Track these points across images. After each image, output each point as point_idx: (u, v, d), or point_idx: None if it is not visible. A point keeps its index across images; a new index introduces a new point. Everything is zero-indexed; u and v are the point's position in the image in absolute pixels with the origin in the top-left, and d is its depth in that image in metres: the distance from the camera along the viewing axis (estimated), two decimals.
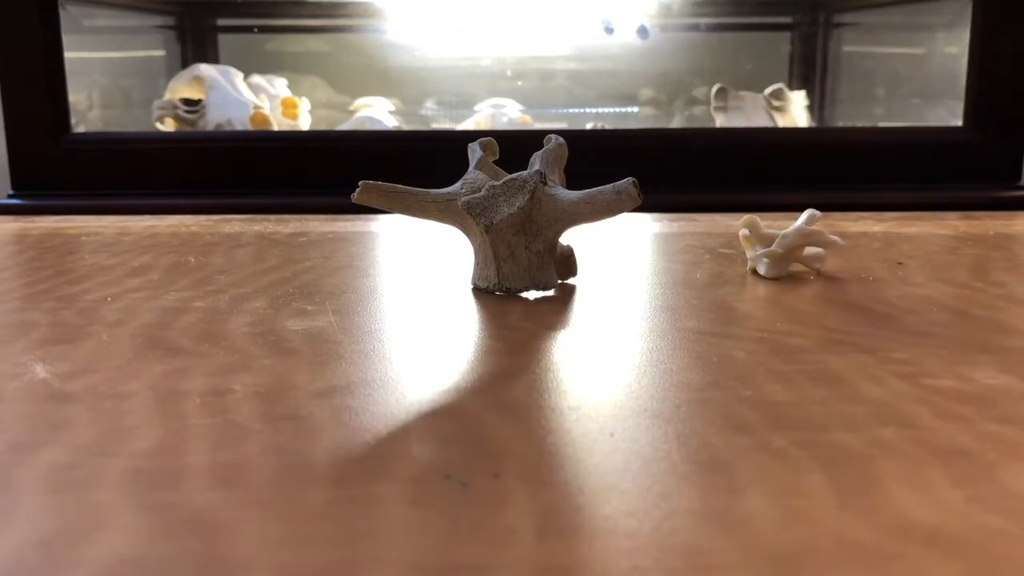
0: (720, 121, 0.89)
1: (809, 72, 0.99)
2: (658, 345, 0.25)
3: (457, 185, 0.33)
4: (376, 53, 1.11)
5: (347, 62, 1.14)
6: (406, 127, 0.98)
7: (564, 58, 1.11)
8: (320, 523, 0.14)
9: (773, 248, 0.34)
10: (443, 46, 1.12)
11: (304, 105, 0.96)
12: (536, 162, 0.33)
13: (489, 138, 0.35)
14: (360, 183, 0.31)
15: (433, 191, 0.33)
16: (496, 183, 0.32)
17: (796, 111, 0.92)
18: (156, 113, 0.88)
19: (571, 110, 1.07)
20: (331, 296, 0.32)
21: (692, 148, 0.75)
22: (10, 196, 0.74)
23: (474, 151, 0.35)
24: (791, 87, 0.92)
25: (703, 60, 1.05)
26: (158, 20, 1.07)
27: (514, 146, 0.35)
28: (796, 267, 0.36)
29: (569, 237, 0.48)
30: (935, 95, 0.84)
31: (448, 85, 1.11)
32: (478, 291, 0.33)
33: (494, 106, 0.98)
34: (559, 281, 0.34)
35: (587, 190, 0.32)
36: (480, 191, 0.32)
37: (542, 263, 0.32)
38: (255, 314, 0.29)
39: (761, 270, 0.35)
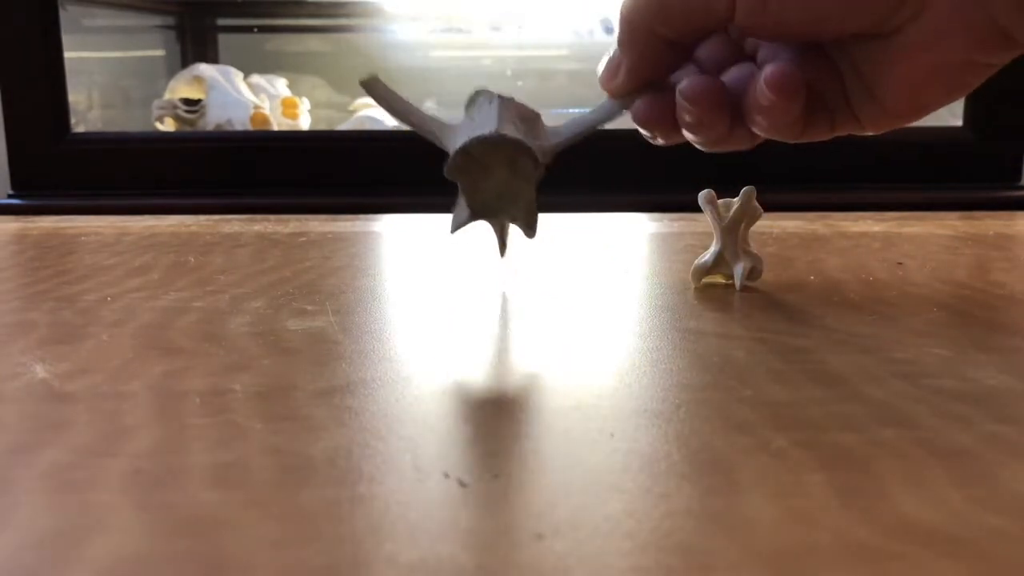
0: None
1: None
2: (658, 345, 0.25)
3: (465, 122, 0.29)
4: (376, 53, 1.11)
5: (347, 62, 1.14)
6: (406, 127, 0.98)
7: (564, 58, 1.11)
8: (320, 523, 0.14)
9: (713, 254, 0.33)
10: (443, 46, 1.12)
11: (304, 105, 0.96)
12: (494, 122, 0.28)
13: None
14: (370, 77, 0.29)
15: (437, 118, 0.30)
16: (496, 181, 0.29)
17: None
18: (156, 113, 0.88)
19: (571, 110, 1.07)
20: (331, 296, 0.32)
21: (692, 147, 0.74)
22: (10, 196, 0.74)
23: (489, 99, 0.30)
24: None
25: None
26: (158, 20, 1.07)
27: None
28: (715, 278, 0.34)
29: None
30: None
31: (448, 85, 1.11)
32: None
33: None
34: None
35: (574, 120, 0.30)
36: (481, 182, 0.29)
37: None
38: (255, 314, 0.29)
39: (738, 281, 0.33)
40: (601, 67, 0.30)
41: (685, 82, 0.28)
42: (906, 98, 0.27)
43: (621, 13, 0.28)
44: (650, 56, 0.28)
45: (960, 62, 0.25)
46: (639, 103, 0.30)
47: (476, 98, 0.30)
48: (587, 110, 0.31)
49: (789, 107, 0.27)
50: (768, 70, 0.27)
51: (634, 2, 0.27)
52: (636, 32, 0.28)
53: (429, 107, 1.10)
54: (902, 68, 0.26)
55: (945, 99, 0.27)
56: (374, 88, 0.31)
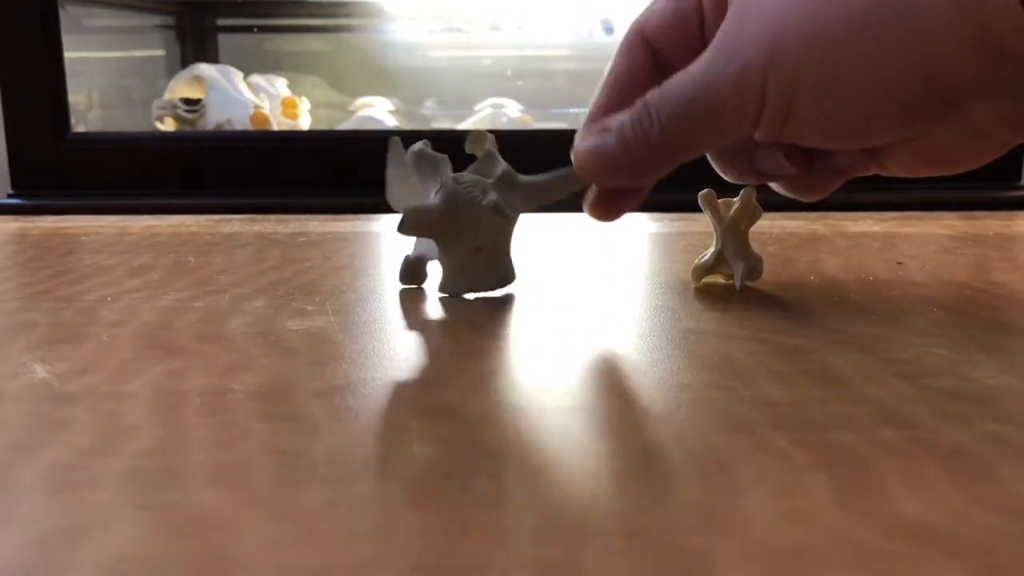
0: None
1: None
2: (658, 345, 0.25)
3: (440, 195, 0.31)
4: (376, 53, 1.11)
5: (347, 62, 1.14)
6: (406, 127, 0.98)
7: (564, 58, 1.11)
8: (320, 523, 0.14)
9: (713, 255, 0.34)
10: (443, 46, 1.12)
11: (304, 105, 0.96)
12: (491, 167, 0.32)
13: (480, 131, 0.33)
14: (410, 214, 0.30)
15: (434, 204, 0.31)
16: (491, 181, 0.31)
17: None
18: (156, 113, 0.88)
19: (571, 110, 1.07)
20: (331, 296, 0.32)
21: None
22: (10, 196, 0.74)
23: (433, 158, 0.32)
24: None
25: None
26: (158, 20, 1.07)
27: (514, 146, 0.35)
28: (715, 278, 0.34)
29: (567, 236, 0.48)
30: None
31: (448, 85, 1.11)
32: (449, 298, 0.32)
33: (494, 106, 0.98)
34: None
35: (563, 168, 0.32)
36: (488, 190, 0.31)
37: (507, 257, 0.32)
38: (255, 314, 0.29)
39: (738, 281, 0.34)
40: (590, 144, 0.29)
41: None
42: (911, 173, 0.29)
43: (635, 135, 0.27)
44: (663, 172, 0.28)
45: (964, 162, 0.27)
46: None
47: (478, 191, 0.32)
48: (550, 175, 0.32)
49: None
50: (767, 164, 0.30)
51: (649, 132, 0.27)
52: (656, 160, 0.27)
53: (429, 107, 1.10)
54: (911, 159, 0.28)
55: (938, 175, 0.29)
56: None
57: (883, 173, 0.30)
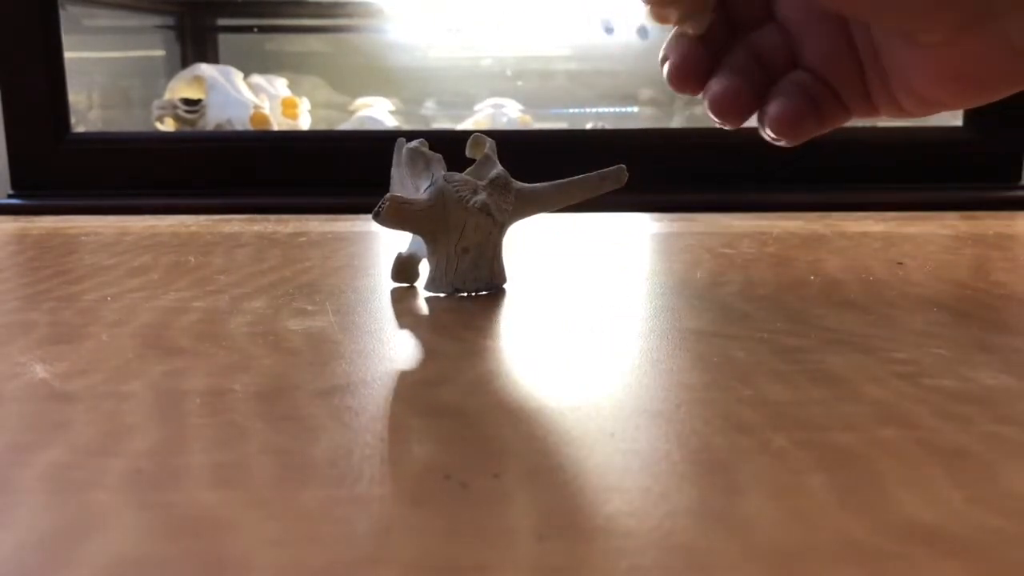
0: None
1: None
2: (658, 345, 0.25)
3: (429, 191, 0.31)
4: (376, 53, 1.11)
5: (347, 62, 1.14)
6: (406, 127, 0.98)
7: (564, 58, 1.11)
8: (320, 523, 0.14)
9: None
10: (443, 46, 1.12)
11: (304, 105, 0.96)
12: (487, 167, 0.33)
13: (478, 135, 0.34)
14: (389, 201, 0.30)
15: (420, 199, 0.31)
16: (483, 183, 0.32)
17: None
18: (156, 113, 0.88)
19: (571, 110, 1.07)
20: (331, 296, 0.32)
21: (692, 148, 0.75)
22: (10, 196, 0.74)
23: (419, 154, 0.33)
24: None
25: None
26: (158, 20, 1.07)
27: (514, 146, 0.35)
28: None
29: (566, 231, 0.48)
30: None
31: (448, 85, 1.11)
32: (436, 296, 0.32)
33: (494, 106, 0.98)
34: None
35: (562, 180, 0.32)
36: (478, 191, 0.31)
37: (495, 259, 0.33)
38: (255, 314, 0.29)
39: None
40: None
41: (711, 91, 0.28)
42: (928, 100, 0.27)
43: None
44: None
45: (988, 84, 0.25)
46: (715, 90, 0.28)
47: (474, 193, 0.32)
48: (549, 184, 0.33)
49: (795, 140, 0.28)
50: (771, 111, 0.27)
51: None
52: None
53: (429, 107, 1.10)
54: (933, 76, 0.26)
55: (959, 105, 0.27)
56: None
57: (893, 114, 0.28)
